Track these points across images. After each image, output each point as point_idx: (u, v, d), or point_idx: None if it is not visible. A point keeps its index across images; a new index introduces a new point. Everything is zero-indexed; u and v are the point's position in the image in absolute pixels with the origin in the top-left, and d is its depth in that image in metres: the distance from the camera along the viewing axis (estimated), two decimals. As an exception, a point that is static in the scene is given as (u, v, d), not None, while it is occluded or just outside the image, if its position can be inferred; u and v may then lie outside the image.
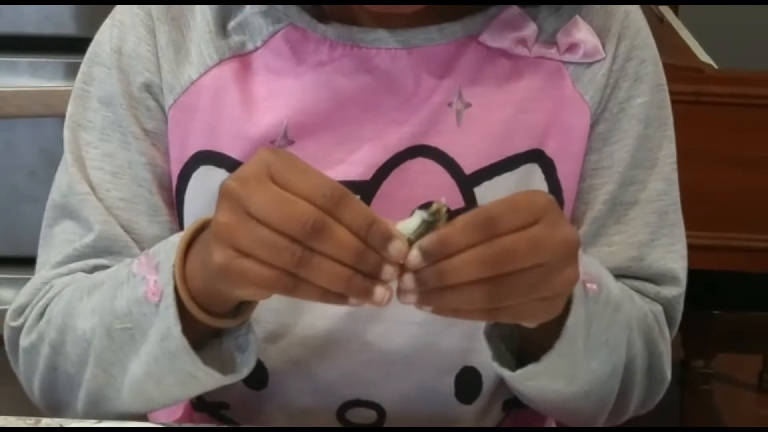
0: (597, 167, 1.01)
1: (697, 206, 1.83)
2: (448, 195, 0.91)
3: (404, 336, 0.97)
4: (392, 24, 0.96)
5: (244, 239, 0.76)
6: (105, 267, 0.98)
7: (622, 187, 1.01)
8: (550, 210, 0.78)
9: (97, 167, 0.99)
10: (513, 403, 1.04)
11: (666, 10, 2.45)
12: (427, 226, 0.75)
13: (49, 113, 1.84)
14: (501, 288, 0.75)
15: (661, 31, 2.27)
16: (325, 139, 0.96)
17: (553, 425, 1.13)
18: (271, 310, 0.95)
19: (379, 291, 0.74)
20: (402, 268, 0.75)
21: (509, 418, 1.05)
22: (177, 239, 0.87)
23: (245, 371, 0.89)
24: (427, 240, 0.74)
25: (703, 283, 2.02)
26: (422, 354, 0.97)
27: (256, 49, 0.98)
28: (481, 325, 0.90)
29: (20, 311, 0.99)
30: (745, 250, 1.93)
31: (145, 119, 0.99)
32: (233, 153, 0.96)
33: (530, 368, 0.87)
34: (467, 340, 0.97)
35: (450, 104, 0.97)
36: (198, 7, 0.99)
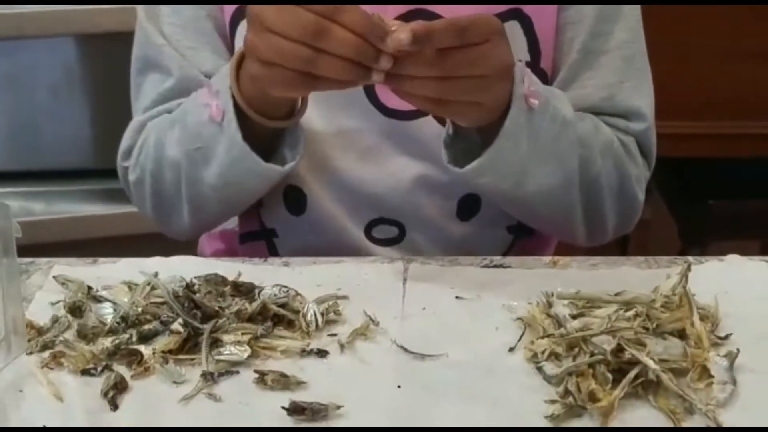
0: (569, 21, 1.16)
1: (691, 96, 1.90)
2: None
3: (416, 168, 1.18)
4: None
5: (265, 51, 0.96)
6: None
7: (593, 38, 1.16)
8: (499, 34, 0.97)
9: (168, 21, 1.18)
10: (517, 229, 1.23)
11: None
12: None
13: (69, 32, 1.90)
14: (445, 86, 0.96)
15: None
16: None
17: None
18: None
19: (375, 76, 0.95)
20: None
21: (517, 245, 1.24)
22: (227, 69, 1.07)
23: (298, 159, 1.10)
24: (419, 25, 0.93)
25: (698, 173, 2.07)
26: (430, 183, 1.17)
27: None
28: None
29: (128, 151, 1.21)
30: (738, 137, 1.99)
31: None
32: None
33: (474, 164, 1.05)
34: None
35: None
36: None
